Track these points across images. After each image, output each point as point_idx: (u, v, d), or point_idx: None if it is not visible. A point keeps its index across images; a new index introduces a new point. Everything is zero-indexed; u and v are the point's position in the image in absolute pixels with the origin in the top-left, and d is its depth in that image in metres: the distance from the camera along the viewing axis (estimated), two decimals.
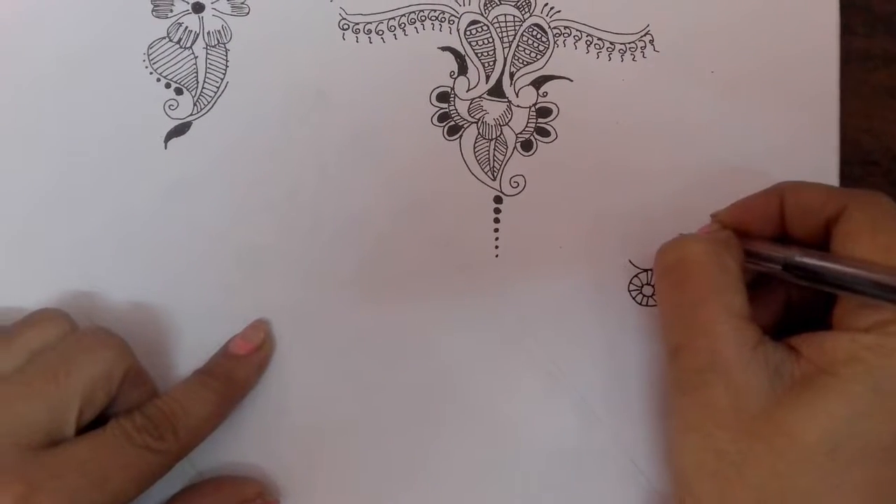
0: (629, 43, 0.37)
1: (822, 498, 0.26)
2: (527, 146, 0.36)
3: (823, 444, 0.26)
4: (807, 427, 0.26)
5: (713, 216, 0.33)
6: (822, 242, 0.30)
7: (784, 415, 0.27)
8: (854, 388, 0.26)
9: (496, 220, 0.36)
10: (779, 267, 0.29)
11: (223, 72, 0.37)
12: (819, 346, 0.27)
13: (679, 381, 0.30)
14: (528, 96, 0.37)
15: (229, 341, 0.34)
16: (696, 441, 0.29)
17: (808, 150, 0.36)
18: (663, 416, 0.34)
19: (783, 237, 0.31)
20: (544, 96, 0.37)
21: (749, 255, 0.31)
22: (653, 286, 0.35)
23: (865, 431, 0.26)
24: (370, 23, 0.37)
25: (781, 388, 0.27)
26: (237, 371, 0.34)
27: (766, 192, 0.31)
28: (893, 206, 0.29)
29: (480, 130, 0.36)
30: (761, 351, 0.28)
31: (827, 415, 0.26)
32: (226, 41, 0.37)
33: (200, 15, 0.37)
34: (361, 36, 0.37)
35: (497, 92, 0.37)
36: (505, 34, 0.37)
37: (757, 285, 0.32)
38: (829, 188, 0.30)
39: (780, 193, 0.31)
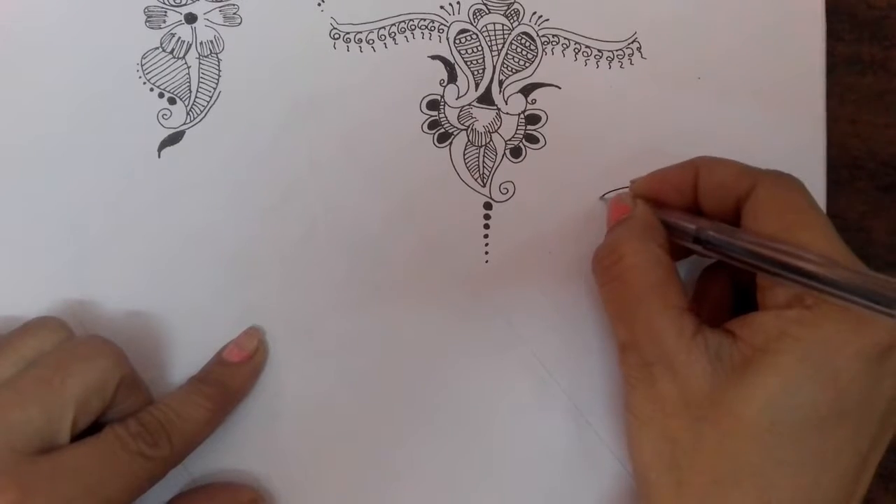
0: (617, 50, 0.37)
1: (770, 472, 0.27)
2: (516, 153, 0.37)
3: (764, 418, 0.27)
4: (748, 405, 0.27)
5: (631, 183, 0.34)
6: (732, 219, 0.31)
7: (728, 396, 0.28)
8: (784, 361, 0.27)
9: (486, 227, 0.36)
10: (690, 239, 0.31)
11: (216, 81, 0.37)
12: (750, 326, 0.28)
13: (628, 376, 0.31)
14: (517, 104, 0.37)
15: (223, 349, 0.35)
16: (651, 434, 0.30)
17: (796, 154, 0.37)
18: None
19: (695, 210, 0.32)
20: (533, 103, 0.37)
21: (663, 225, 0.32)
22: None
23: (801, 403, 0.27)
24: (360, 32, 0.37)
25: (722, 370, 0.28)
26: (231, 378, 0.34)
27: (682, 165, 0.32)
28: (801, 186, 0.30)
29: (470, 137, 0.37)
30: (700, 338, 0.28)
31: (763, 390, 0.27)
32: (218, 51, 0.37)
33: (193, 25, 0.37)
34: (352, 45, 0.37)
35: (486, 99, 0.37)
36: (494, 42, 0.37)
37: (703, 278, 0.34)
38: (741, 167, 0.31)
39: (696, 167, 0.32)
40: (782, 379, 0.27)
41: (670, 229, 0.32)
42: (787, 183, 0.30)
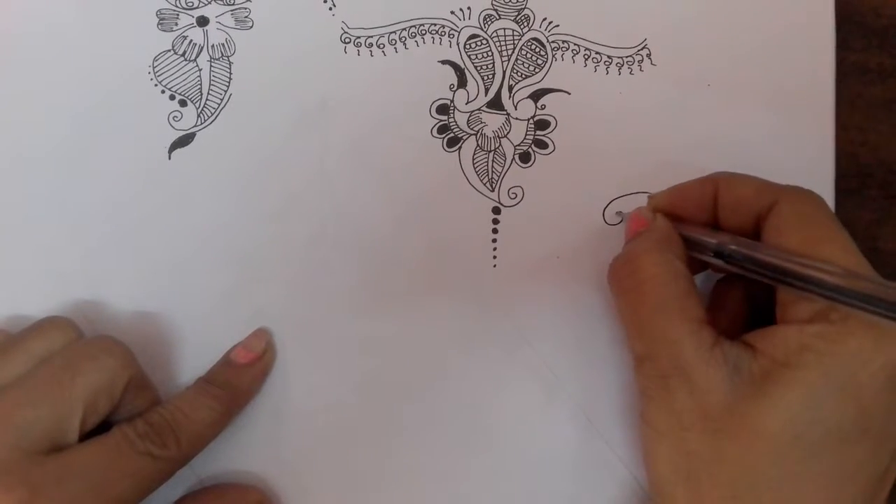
0: (626, 56, 0.37)
1: (790, 486, 0.27)
2: (525, 158, 0.37)
3: (786, 433, 0.27)
4: (769, 418, 0.27)
5: (650, 198, 0.34)
6: (751, 234, 0.31)
7: (747, 409, 0.27)
8: (807, 376, 0.27)
9: (494, 231, 0.36)
10: (710, 253, 0.30)
11: (227, 84, 0.37)
12: (771, 339, 0.28)
13: (645, 388, 0.30)
14: (527, 109, 0.37)
15: (231, 350, 0.35)
16: (668, 447, 0.29)
17: (805, 162, 0.37)
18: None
19: (714, 225, 0.32)
20: (542, 109, 0.37)
21: (683, 240, 0.32)
22: None
23: (824, 417, 0.27)
24: (371, 36, 0.37)
25: (741, 383, 0.28)
26: (239, 379, 0.34)
27: (702, 180, 0.32)
28: (822, 202, 0.30)
29: (479, 142, 0.37)
30: (718, 350, 0.28)
31: (786, 404, 0.27)
32: (229, 54, 0.37)
33: (205, 28, 0.37)
34: (363, 49, 0.37)
35: (496, 104, 0.37)
36: (504, 48, 0.37)
37: (717, 289, 0.34)
38: (761, 182, 0.31)
39: (715, 183, 0.32)
40: (805, 394, 0.27)
41: (689, 243, 0.31)
42: (808, 198, 0.30)
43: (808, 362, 0.27)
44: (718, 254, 0.30)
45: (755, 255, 0.29)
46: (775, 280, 0.28)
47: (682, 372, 0.28)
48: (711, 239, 0.30)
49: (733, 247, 0.30)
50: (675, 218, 0.32)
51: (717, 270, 0.34)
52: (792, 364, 0.27)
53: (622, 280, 0.32)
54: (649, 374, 0.30)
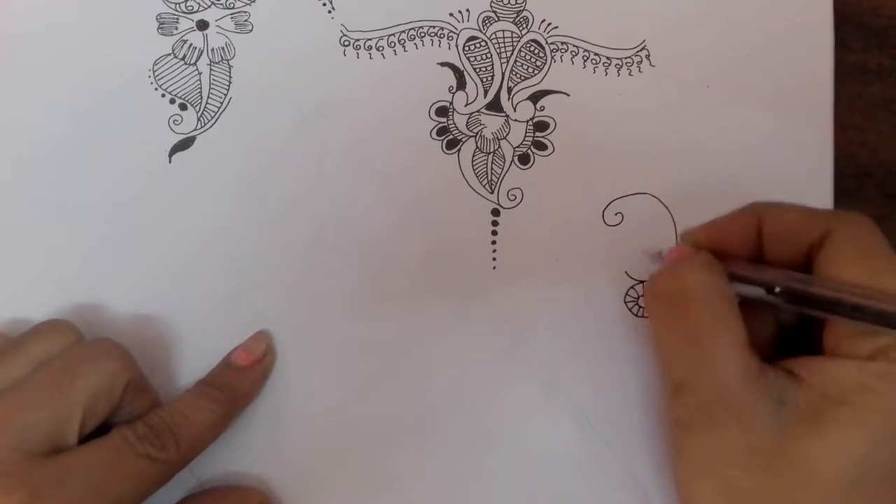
0: (626, 58, 0.37)
1: None
2: (524, 159, 0.37)
3: (845, 477, 0.26)
4: (827, 460, 0.26)
5: (684, 236, 0.32)
6: (800, 265, 0.29)
7: (800, 448, 0.26)
8: (870, 419, 0.26)
9: (494, 233, 0.36)
10: (762, 290, 0.28)
11: (226, 87, 0.37)
12: (822, 373, 0.27)
13: (684, 420, 0.29)
14: (526, 110, 0.37)
15: (231, 352, 0.35)
16: (710, 485, 0.28)
17: (803, 163, 0.37)
18: (659, 426, 0.34)
19: (758, 259, 0.30)
20: (541, 110, 0.37)
21: (729, 277, 0.29)
22: None
23: (882, 461, 0.26)
24: (370, 39, 0.38)
25: (787, 417, 0.26)
26: (239, 382, 0.34)
27: (742, 213, 0.30)
28: (876, 228, 0.28)
29: (479, 144, 0.37)
30: (764, 381, 0.27)
31: (846, 447, 0.26)
32: (229, 58, 0.37)
33: (205, 32, 0.38)
34: (362, 52, 0.37)
35: (495, 106, 0.37)
36: (503, 50, 0.37)
37: (742, 310, 0.31)
38: (809, 210, 0.29)
39: (758, 214, 0.30)
40: (868, 437, 0.26)
41: (736, 281, 0.29)
42: (864, 226, 0.28)
43: (869, 403, 0.26)
44: (770, 291, 0.28)
45: (815, 290, 0.27)
46: (836, 314, 0.27)
47: (730, 404, 0.27)
48: (763, 276, 0.29)
49: (791, 284, 0.28)
50: (715, 255, 0.30)
51: (777, 307, 0.31)
52: (851, 403, 0.26)
53: (665, 300, 0.30)
54: (689, 404, 0.28)
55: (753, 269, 0.29)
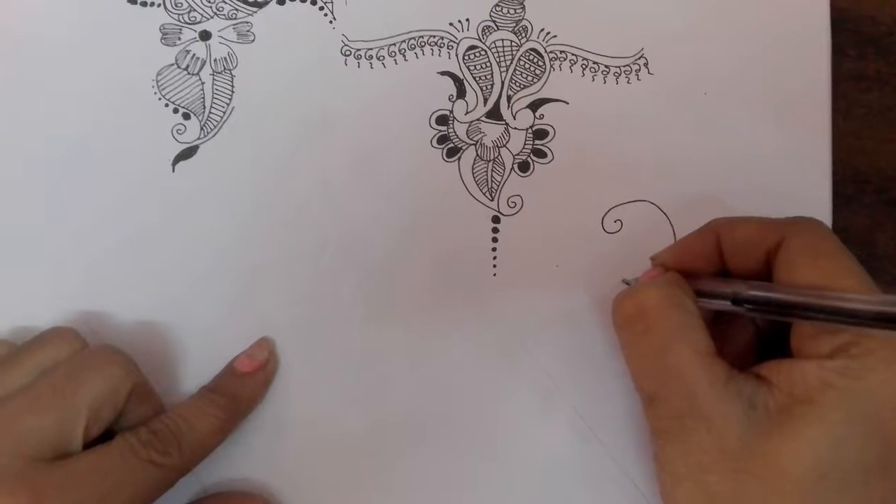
0: (624, 66, 0.38)
1: None
2: (524, 167, 0.37)
3: (812, 473, 0.26)
4: (794, 458, 0.26)
5: (653, 259, 0.33)
6: (763, 274, 0.30)
7: (770, 448, 0.27)
8: (831, 415, 0.26)
9: (494, 240, 0.37)
10: (727, 302, 0.29)
11: (229, 97, 0.38)
12: (788, 375, 0.27)
13: (660, 430, 0.29)
14: (525, 119, 0.37)
15: (234, 359, 0.35)
16: (688, 490, 0.28)
17: (801, 169, 0.37)
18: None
19: (724, 272, 0.31)
20: (541, 118, 0.37)
21: (697, 293, 0.31)
22: None
23: (848, 456, 0.26)
24: (371, 49, 0.38)
25: (758, 420, 0.27)
26: (242, 388, 0.34)
27: (701, 231, 0.32)
28: (829, 230, 0.29)
29: (479, 152, 0.37)
30: (733, 385, 0.28)
31: (811, 443, 0.26)
32: (232, 67, 0.38)
33: (207, 42, 0.38)
34: (363, 62, 0.38)
35: (495, 115, 0.38)
36: (502, 58, 0.38)
37: (721, 320, 0.33)
38: (762, 220, 0.30)
39: (716, 231, 0.31)
40: (831, 433, 0.26)
41: (703, 296, 0.31)
42: (815, 229, 0.29)
43: (831, 400, 0.26)
44: (736, 301, 0.29)
45: (773, 295, 0.28)
46: (796, 316, 0.28)
47: (699, 410, 0.28)
48: (726, 288, 0.29)
49: (752, 292, 0.29)
50: (684, 273, 0.31)
51: (741, 315, 0.33)
52: (813, 401, 0.26)
53: (627, 315, 0.31)
54: (661, 415, 0.29)
55: (716, 283, 0.30)
